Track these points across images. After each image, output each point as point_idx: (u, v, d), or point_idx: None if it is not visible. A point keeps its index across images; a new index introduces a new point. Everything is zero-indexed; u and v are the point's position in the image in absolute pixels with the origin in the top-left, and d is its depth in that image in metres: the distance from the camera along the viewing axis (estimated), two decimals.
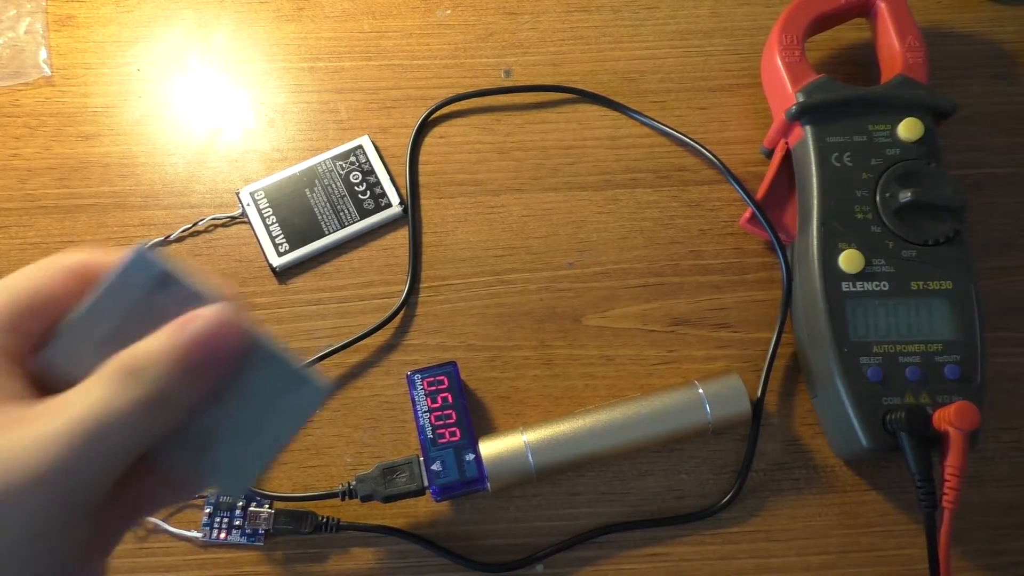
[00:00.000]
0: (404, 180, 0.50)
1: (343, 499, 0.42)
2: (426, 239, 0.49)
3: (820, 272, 0.43)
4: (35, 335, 0.26)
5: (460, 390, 0.43)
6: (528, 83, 0.52)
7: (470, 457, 0.41)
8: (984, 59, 0.53)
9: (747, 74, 0.53)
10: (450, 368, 0.43)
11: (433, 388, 0.43)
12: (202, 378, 0.25)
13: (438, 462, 0.41)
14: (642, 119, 0.51)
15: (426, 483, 0.41)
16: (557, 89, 0.52)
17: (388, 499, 0.41)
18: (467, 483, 0.41)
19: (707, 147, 0.50)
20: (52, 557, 0.24)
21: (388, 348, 0.47)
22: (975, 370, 0.42)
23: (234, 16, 0.54)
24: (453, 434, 0.42)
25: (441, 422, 0.42)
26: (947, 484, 0.38)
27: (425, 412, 0.42)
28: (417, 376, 0.43)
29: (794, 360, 0.47)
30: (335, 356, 0.46)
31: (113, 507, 0.26)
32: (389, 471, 0.42)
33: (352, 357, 0.47)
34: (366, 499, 0.42)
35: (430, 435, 0.42)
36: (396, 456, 0.44)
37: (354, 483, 0.42)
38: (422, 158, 0.51)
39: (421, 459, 0.42)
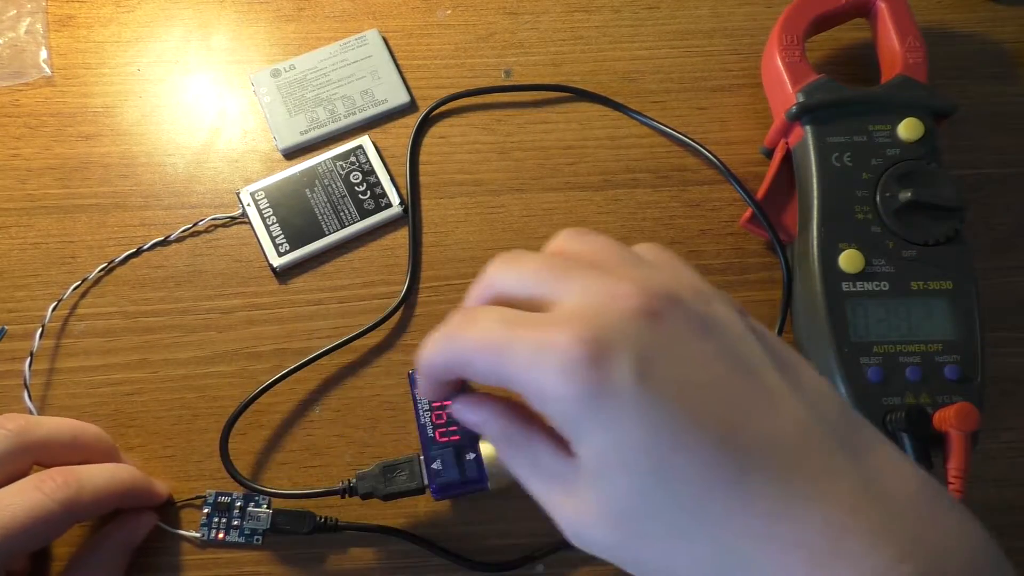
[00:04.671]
0: (404, 180, 0.50)
1: (343, 496, 0.42)
2: (426, 239, 0.49)
3: (820, 272, 0.43)
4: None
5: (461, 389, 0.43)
6: (528, 83, 0.52)
7: (471, 456, 0.41)
8: (984, 59, 0.53)
9: (747, 74, 0.53)
10: None
11: None
12: None
13: (438, 461, 0.41)
14: (642, 119, 0.52)
15: (426, 482, 0.41)
16: (557, 89, 0.52)
17: (388, 497, 0.41)
18: (467, 482, 0.41)
19: (707, 147, 0.50)
20: None
21: (388, 348, 0.47)
22: (975, 370, 0.42)
23: (234, 16, 0.54)
24: (454, 433, 0.42)
25: (442, 421, 0.42)
26: (951, 487, 0.38)
27: (426, 411, 0.42)
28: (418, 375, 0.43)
29: None
30: (334, 355, 0.46)
31: None
32: (389, 469, 0.42)
33: (352, 357, 0.47)
34: (366, 497, 0.41)
35: (431, 434, 0.42)
36: (396, 456, 0.44)
37: (354, 480, 0.42)
38: (422, 158, 0.51)
39: (421, 458, 0.42)
